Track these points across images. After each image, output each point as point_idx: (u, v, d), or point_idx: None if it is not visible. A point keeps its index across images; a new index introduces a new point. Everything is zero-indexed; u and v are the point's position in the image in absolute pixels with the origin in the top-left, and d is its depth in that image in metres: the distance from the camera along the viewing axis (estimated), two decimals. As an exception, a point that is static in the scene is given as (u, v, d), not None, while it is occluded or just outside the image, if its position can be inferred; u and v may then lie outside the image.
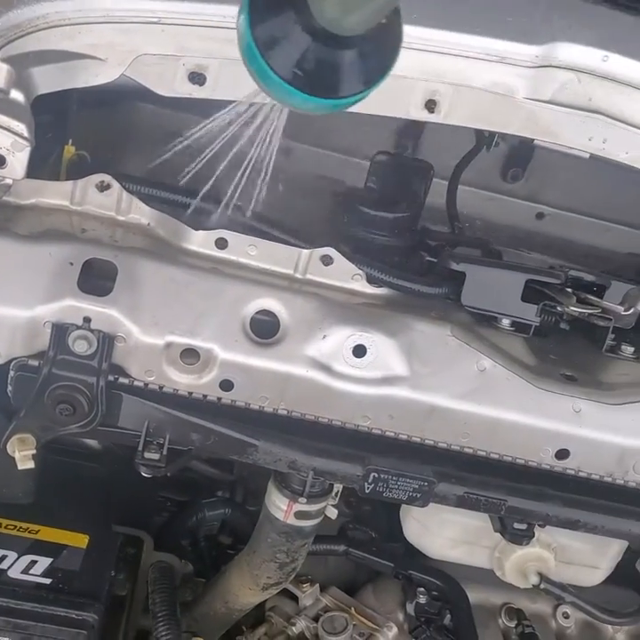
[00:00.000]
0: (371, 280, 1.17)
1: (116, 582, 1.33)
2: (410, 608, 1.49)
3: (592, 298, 1.25)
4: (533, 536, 1.22)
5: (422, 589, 1.54)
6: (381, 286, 1.18)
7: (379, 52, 0.65)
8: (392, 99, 1.20)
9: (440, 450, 1.15)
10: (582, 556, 1.32)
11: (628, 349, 1.27)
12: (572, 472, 1.20)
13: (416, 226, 1.38)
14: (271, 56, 0.63)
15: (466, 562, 1.36)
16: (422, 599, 1.52)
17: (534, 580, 1.26)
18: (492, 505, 1.15)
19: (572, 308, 1.18)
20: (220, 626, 1.46)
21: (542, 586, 1.26)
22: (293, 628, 1.50)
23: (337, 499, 1.21)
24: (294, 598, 1.59)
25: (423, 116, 1.23)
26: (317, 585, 1.57)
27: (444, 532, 1.29)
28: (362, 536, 1.65)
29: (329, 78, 0.64)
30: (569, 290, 1.26)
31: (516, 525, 1.21)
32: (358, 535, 1.65)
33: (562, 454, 1.18)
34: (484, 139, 1.56)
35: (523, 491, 1.16)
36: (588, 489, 1.20)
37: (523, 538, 1.21)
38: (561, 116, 1.23)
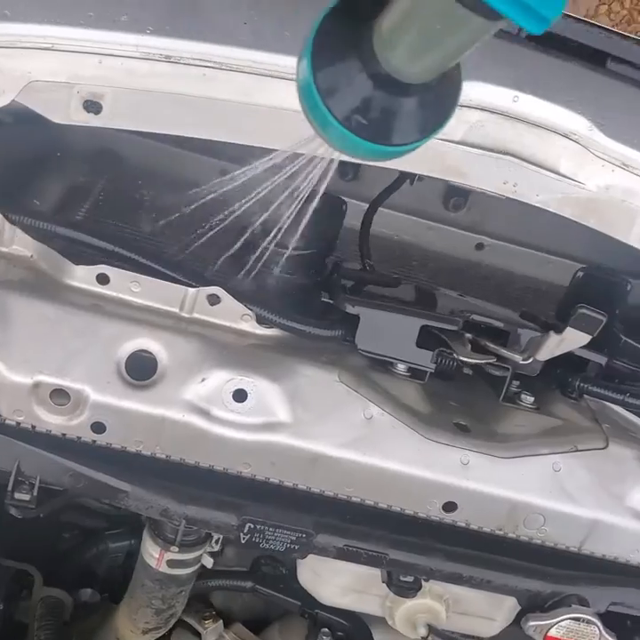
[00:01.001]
0: (261, 321, 1.14)
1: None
2: (309, 650, 1.45)
3: (491, 345, 1.22)
4: (419, 588, 1.19)
5: (326, 630, 1.51)
6: (272, 327, 1.15)
7: (438, 102, 0.64)
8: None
9: (322, 499, 1.12)
10: (477, 607, 1.28)
11: (528, 399, 1.24)
12: (463, 525, 1.18)
13: (324, 263, 1.34)
14: (332, 101, 0.62)
15: (358, 609, 1.33)
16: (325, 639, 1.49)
17: (422, 632, 1.22)
18: (372, 558, 1.12)
19: (463, 357, 1.16)
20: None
21: (430, 638, 1.23)
22: (194, 664, 1.47)
23: (218, 545, 1.17)
24: (199, 633, 1.56)
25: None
26: (221, 621, 1.54)
27: (334, 579, 1.25)
28: (273, 572, 1.61)
29: (388, 125, 0.63)
30: (469, 336, 1.23)
31: (402, 578, 1.18)
32: (270, 571, 1.62)
33: (449, 507, 1.15)
34: (406, 173, 1.53)
35: (406, 544, 1.13)
36: (478, 543, 1.17)
37: (408, 590, 1.18)
38: (472, 158, 1.21)
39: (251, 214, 1.11)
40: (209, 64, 1.12)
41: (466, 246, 1.88)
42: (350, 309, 1.17)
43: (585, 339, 1.18)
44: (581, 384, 1.27)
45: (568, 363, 1.30)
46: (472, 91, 1.19)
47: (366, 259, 1.41)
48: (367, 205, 1.51)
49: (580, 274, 1.48)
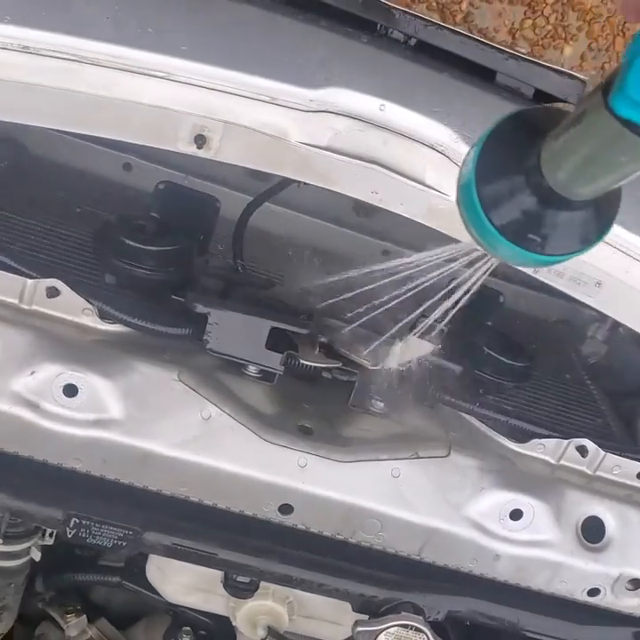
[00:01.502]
0: (103, 315, 1.14)
1: None
2: (168, 647, 1.45)
3: (343, 351, 1.23)
4: (255, 590, 1.19)
5: (188, 628, 1.50)
6: (115, 323, 1.14)
7: (600, 215, 0.65)
8: (159, 131, 1.17)
9: (153, 496, 1.11)
10: (323, 611, 1.29)
11: (378, 404, 1.25)
12: (302, 528, 1.18)
13: (190, 260, 1.34)
14: (493, 211, 0.64)
15: (204, 608, 1.33)
16: (185, 638, 1.48)
17: (261, 633, 1.23)
18: (201, 557, 1.11)
19: (305, 360, 1.16)
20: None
21: (265, 640, 1.24)
22: (54, 659, 1.46)
23: (53, 538, 1.17)
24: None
25: (192, 150, 1.20)
26: (84, 616, 1.53)
27: (178, 577, 1.25)
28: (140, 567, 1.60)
29: (547, 236, 0.65)
30: (324, 339, 1.24)
31: (239, 579, 1.18)
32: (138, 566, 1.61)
33: (285, 509, 1.15)
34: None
35: (237, 544, 1.13)
36: (316, 546, 1.17)
37: (244, 592, 1.18)
38: (337, 164, 1.21)
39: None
40: (68, 56, 1.12)
41: (373, 252, 1.89)
42: (199, 309, 1.16)
43: (429, 347, 1.19)
44: (434, 392, 1.28)
45: (427, 371, 1.32)
46: (339, 97, 1.19)
47: (239, 259, 1.40)
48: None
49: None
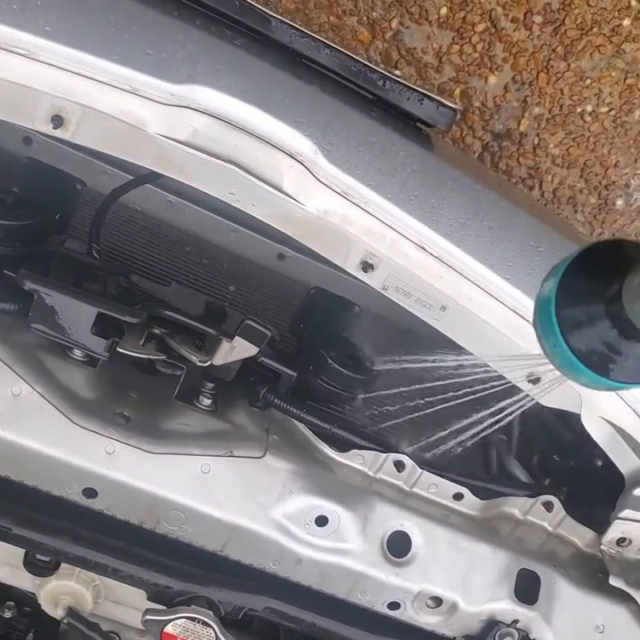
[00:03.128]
0: None
1: None
2: (-14, 621, 1.45)
3: (173, 344, 1.24)
4: (54, 569, 1.20)
5: (11, 603, 1.50)
6: (-60, 291, 1.15)
7: None
8: (17, 107, 1.18)
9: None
10: (131, 598, 1.30)
11: (205, 401, 1.26)
12: (109, 514, 1.19)
13: (41, 238, 1.34)
14: (571, 335, 0.68)
15: (11, 583, 1.33)
16: (7, 613, 1.48)
17: (60, 613, 1.24)
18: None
19: (123, 349, 1.17)
20: None
21: (65, 621, 1.24)
22: None
23: None
24: None
25: (48, 129, 1.20)
26: None
27: (-14, 550, 1.26)
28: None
29: (619, 364, 0.68)
30: (158, 331, 1.25)
31: (37, 556, 1.19)
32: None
33: (89, 493, 1.17)
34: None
35: (35, 522, 1.14)
36: (118, 532, 1.19)
37: (42, 570, 1.19)
38: (195, 160, 1.22)
39: None
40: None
41: (268, 254, 1.90)
42: (27, 286, 1.17)
43: (253, 349, 1.21)
44: (267, 394, 1.30)
45: (265, 373, 1.34)
46: (201, 95, 1.21)
47: (94, 243, 1.41)
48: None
49: (312, 291, 1.52)
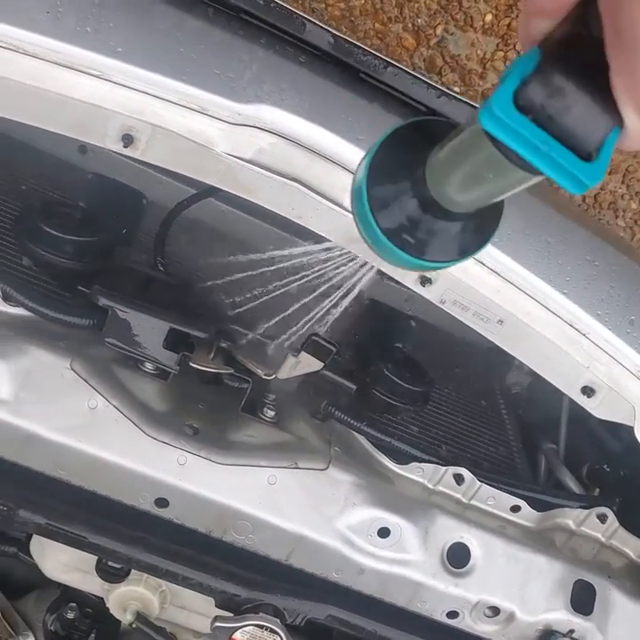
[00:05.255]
0: (6, 297, 1.18)
1: None
2: (49, 620, 1.50)
3: (239, 358, 1.27)
4: (125, 576, 1.24)
5: (74, 605, 1.55)
6: (18, 306, 1.19)
7: (478, 228, 0.68)
8: (89, 126, 1.21)
9: (31, 475, 1.16)
10: (196, 603, 1.34)
11: (269, 413, 1.30)
12: (178, 523, 1.23)
13: (109, 252, 1.38)
14: (380, 214, 0.67)
15: (81, 588, 1.37)
16: (70, 614, 1.53)
17: (129, 618, 1.28)
18: (71, 539, 1.16)
19: (194, 363, 1.21)
20: None
21: (134, 625, 1.29)
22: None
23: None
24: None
25: (118, 148, 1.24)
26: (-24, 584, 1.58)
27: (58, 555, 1.30)
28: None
29: (428, 243, 0.68)
30: (224, 345, 1.29)
31: (110, 563, 1.23)
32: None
33: (161, 503, 1.20)
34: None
35: (109, 530, 1.18)
36: (187, 540, 1.22)
37: (113, 576, 1.23)
38: (260, 178, 1.25)
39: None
40: (4, 45, 1.16)
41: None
42: (102, 302, 1.21)
43: (318, 364, 1.24)
44: (327, 407, 1.33)
45: (326, 386, 1.37)
46: (267, 114, 1.24)
47: (159, 257, 1.45)
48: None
49: (367, 303, 1.55)
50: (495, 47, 2.40)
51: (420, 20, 2.36)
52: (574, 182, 0.51)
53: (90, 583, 1.33)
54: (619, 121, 0.49)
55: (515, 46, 2.39)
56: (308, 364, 1.24)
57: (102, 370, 1.21)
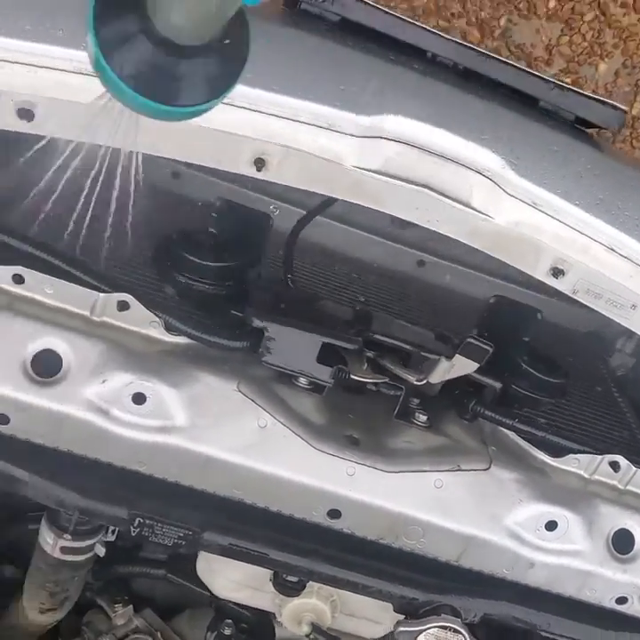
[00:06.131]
0: (169, 327, 1.21)
1: None
2: (211, 637, 1.53)
3: (389, 366, 1.29)
4: (302, 589, 1.26)
5: (229, 621, 1.58)
6: (180, 335, 1.22)
7: (223, 65, 0.66)
8: (222, 154, 1.24)
9: (211, 498, 1.19)
10: (365, 610, 1.36)
11: (421, 417, 1.32)
12: (348, 532, 1.25)
13: (245, 274, 1.41)
14: (113, 58, 0.64)
15: (251, 604, 1.40)
16: (227, 631, 1.56)
17: (305, 629, 1.30)
18: (254, 557, 1.19)
19: (355, 375, 1.23)
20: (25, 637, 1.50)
21: (312, 636, 1.31)
22: (101, 645, 1.54)
23: (114, 535, 1.25)
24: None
25: (251, 172, 1.26)
26: (131, 606, 1.61)
27: (227, 574, 1.33)
28: (185, 561, 1.68)
29: (172, 86, 0.65)
30: (370, 354, 1.30)
31: (287, 577, 1.25)
32: (186, 560, 1.68)
33: (334, 514, 1.23)
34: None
35: (288, 545, 1.20)
36: (360, 549, 1.24)
37: (291, 590, 1.26)
38: (388, 187, 1.27)
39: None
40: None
41: (407, 262, 1.95)
42: (256, 323, 1.24)
43: (473, 366, 1.25)
44: (475, 407, 1.34)
45: (468, 386, 1.38)
46: (392, 124, 1.25)
47: (289, 274, 1.48)
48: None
49: (493, 300, 1.56)
50: (560, 32, 2.40)
51: (483, 14, 2.36)
52: None
53: (259, 599, 1.36)
54: None
55: (580, 29, 2.39)
56: (463, 366, 1.25)
57: (263, 389, 1.23)
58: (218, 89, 0.67)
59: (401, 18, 1.49)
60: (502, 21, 2.38)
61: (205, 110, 0.68)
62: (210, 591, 1.51)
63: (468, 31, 2.40)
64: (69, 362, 1.14)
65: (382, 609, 1.35)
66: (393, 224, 1.93)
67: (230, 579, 1.33)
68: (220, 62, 0.66)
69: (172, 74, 0.65)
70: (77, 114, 1.19)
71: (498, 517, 1.26)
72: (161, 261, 1.35)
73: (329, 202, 1.57)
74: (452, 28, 2.40)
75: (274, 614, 1.42)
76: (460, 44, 1.48)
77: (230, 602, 1.55)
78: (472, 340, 1.23)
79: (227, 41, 0.64)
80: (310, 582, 1.28)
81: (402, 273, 1.94)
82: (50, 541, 1.21)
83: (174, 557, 1.66)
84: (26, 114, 1.17)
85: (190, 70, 0.65)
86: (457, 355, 1.24)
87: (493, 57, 1.50)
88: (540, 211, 1.28)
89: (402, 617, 1.27)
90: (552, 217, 1.28)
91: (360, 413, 1.32)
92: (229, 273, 1.36)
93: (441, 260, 1.99)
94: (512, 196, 1.27)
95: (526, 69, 1.47)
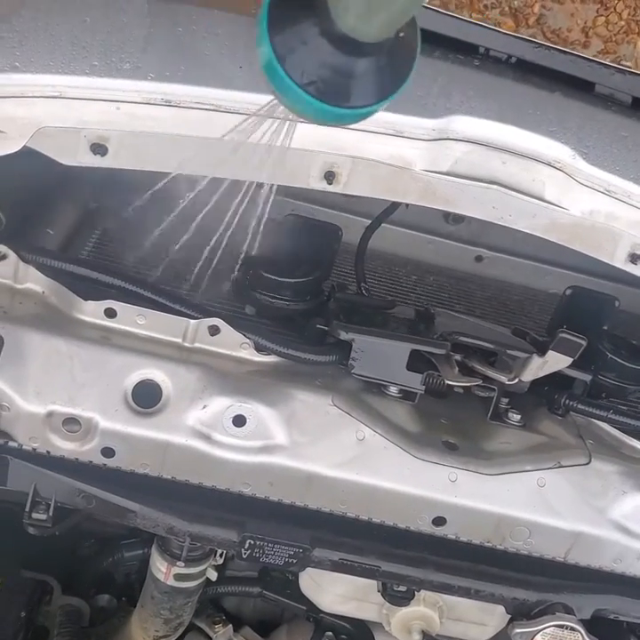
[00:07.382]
0: (259, 348, 1.22)
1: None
2: (313, 651, 1.53)
3: (478, 367, 1.28)
4: (412, 597, 1.26)
5: (330, 634, 1.58)
6: (270, 354, 1.22)
7: (395, 66, 0.65)
8: (293, 170, 1.24)
9: (318, 515, 1.19)
10: (470, 613, 1.35)
11: (515, 417, 1.31)
12: (453, 537, 1.24)
13: (320, 289, 1.41)
14: (289, 63, 0.62)
15: (357, 616, 1.40)
16: (329, 644, 1.56)
17: (417, 638, 1.30)
18: (366, 570, 1.19)
19: (449, 380, 1.22)
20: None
21: (420, 645, 1.31)
22: (204, 665, 1.55)
23: (222, 558, 1.25)
24: (210, 637, 1.64)
25: (322, 186, 1.26)
26: (230, 626, 1.62)
27: (334, 588, 1.33)
28: (280, 578, 1.69)
29: (344, 87, 0.63)
30: (457, 357, 1.30)
31: (396, 588, 1.25)
32: (277, 576, 1.69)
33: (439, 521, 1.22)
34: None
35: (397, 556, 1.20)
36: (467, 554, 1.24)
37: (402, 600, 1.26)
38: (459, 187, 1.26)
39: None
40: (206, 106, 1.19)
41: (465, 259, 1.95)
42: (343, 336, 1.24)
43: (566, 361, 1.24)
44: (567, 401, 1.33)
45: (555, 380, 1.37)
46: (457, 123, 1.25)
47: (362, 282, 1.48)
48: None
49: (569, 292, 1.54)
50: (595, 13, 2.37)
51: (516, 2, 2.35)
52: None
53: (366, 610, 1.36)
54: None
55: (615, 8, 2.36)
56: (556, 362, 1.24)
57: (357, 401, 1.23)
58: (389, 88, 0.65)
59: (450, 15, 1.49)
60: (536, 8, 2.36)
61: (375, 111, 0.66)
62: (308, 605, 1.52)
63: (502, 21, 2.38)
64: (168, 390, 1.15)
65: (486, 611, 1.35)
66: (446, 222, 1.93)
67: (337, 593, 1.33)
68: (393, 60, 0.64)
69: (346, 74, 0.63)
70: (149, 143, 1.22)
71: (603, 511, 1.24)
72: (239, 281, 1.36)
73: (394, 206, 1.57)
74: (486, 19, 2.38)
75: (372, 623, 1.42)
76: (512, 35, 1.47)
77: (328, 614, 1.56)
78: (565, 335, 1.22)
79: (402, 34, 0.62)
80: (416, 590, 1.28)
81: (461, 271, 1.93)
82: (163, 569, 1.22)
83: (265, 573, 1.67)
84: (99, 149, 1.19)
85: (367, 69, 0.63)
86: (550, 351, 1.23)
87: (546, 46, 1.48)
88: (615, 197, 1.27)
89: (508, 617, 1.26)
90: (626, 203, 1.27)
91: (451, 418, 1.32)
92: (306, 288, 1.36)
93: (498, 253, 1.98)
94: (584, 185, 1.26)
95: (581, 55, 1.46)
